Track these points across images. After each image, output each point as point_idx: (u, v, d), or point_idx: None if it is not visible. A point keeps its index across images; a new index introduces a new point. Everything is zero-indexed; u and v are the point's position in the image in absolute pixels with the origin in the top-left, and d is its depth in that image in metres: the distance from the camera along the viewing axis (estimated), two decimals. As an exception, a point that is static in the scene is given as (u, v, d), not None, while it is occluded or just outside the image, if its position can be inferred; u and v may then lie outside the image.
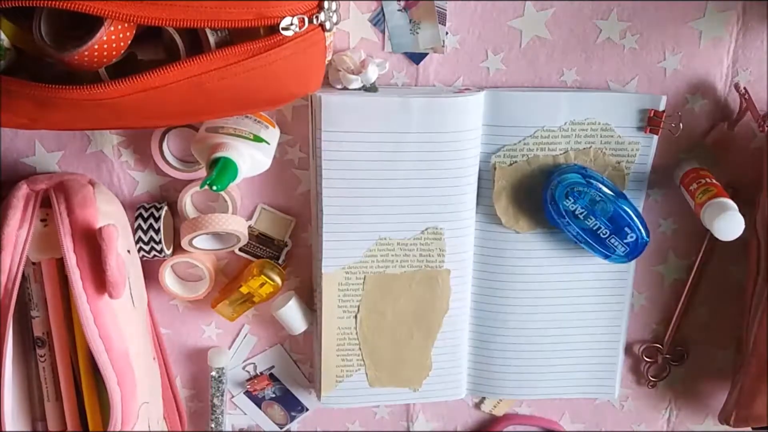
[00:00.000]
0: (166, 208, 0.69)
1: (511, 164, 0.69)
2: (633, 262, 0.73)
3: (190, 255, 0.70)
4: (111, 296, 0.61)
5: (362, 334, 0.73)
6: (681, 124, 0.68)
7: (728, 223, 0.64)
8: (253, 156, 0.62)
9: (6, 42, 0.56)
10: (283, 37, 0.53)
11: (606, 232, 0.69)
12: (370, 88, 0.66)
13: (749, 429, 0.77)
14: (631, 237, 0.69)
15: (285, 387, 0.80)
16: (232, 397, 0.80)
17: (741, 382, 0.74)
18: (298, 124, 0.68)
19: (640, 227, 0.69)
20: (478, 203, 0.71)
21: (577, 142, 0.68)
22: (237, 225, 0.68)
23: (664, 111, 0.67)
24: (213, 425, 0.79)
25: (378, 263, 0.71)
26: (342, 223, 0.69)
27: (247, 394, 0.80)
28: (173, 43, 0.56)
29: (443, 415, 0.82)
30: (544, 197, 0.69)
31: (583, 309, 0.75)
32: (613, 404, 0.82)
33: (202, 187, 0.58)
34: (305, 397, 0.80)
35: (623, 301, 0.75)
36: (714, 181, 0.67)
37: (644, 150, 0.69)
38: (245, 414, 0.81)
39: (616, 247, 0.69)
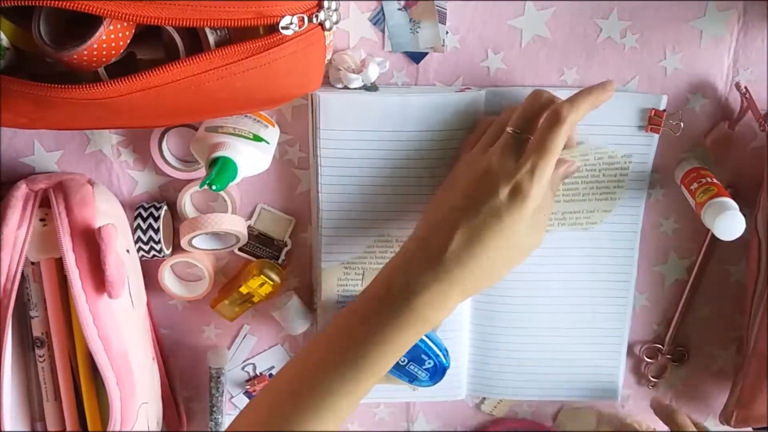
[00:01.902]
0: (165, 207, 0.69)
1: None
2: (635, 263, 0.73)
3: (190, 255, 0.70)
4: (110, 296, 0.61)
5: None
6: (682, 123, 0.68)
7: (729, 223, 0.64)
8: (252, 155, 0.62)
9: (5, 41, 0.55)
10: (283, 36, 0.53)
11: (405, 360, 0.71)
12: (371, 87, 0.66)
13: (750, 429, 0.77)
14: (429, 363, 0.71)
15: (285, 387, 0.80)
16: (232, 397, 0.80)
17: (742, 383, 0.74)
18: (297, 123, 0.68)
19: (438, 353, 0.71)
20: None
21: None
22: (236, 225, 0.68)
23: (664, 110, 0.67)
24: (212, 426, 0.78)
25: (377, 259, 0.71)
26: (341, 219, 0.69)
27: (247, 394, 0.80)
28: (172, 42, 0.56)
29: (443, 416, 0.82)
30: None
31: (584, 310, 0.75)
32: (614, 405, 0.82)
33: (201, 186, 0.58)
34: (305, 398, 0.80)
35: (626, 303, 0.75)
36: (715, 180, 0.67)
37: (645, 149, 0.69)
38: (245, 414, 0.81)
39: (417, 373, 0.72)
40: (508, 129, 0.61)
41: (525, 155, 0.59)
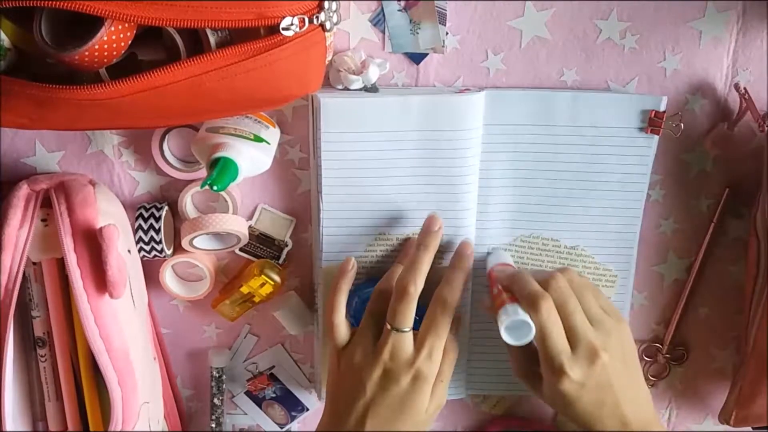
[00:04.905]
0: (166, 208, 0.69)
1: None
2: (633, 263, 0.73)
3: (191, 255, 0.70)
4: (111, 296, 0.61)
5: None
6: (682, 125, 0.68)
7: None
8: (253, 156, 0.62)
9: (6, 42, 0.56)
10: (284, 37, 0.53)
11: None
12: (371, 89, 0.66)
13: (749, 429, 0.77)
14: None
15: (285, 387, 0.80)
16: (233, 396, 0.80)
17: (741, 382, 0.74)
18: (298, 124, 0.68)
19: None
20: (478, 203, 0.71)
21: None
22: (237, 225, 0.68)
23: (665, 111, 0.67)
24: (213, 425, 0.79)
25: (378, 259, 0.71)
26: (342, 219, 0.69)
27: (248, 393, 0.80)
28: (173, 43, 0.56)
29: (443, 415, 0.82)
30: (347, 312, 0.70)
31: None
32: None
33: (202, 187, 0.58)
34: (306, 397, 0.80)
35: (623, 300, 0.75)
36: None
37: (645, 151, 0.69)
38: (246, 414, 0.81)
39: None
40: (388, 326, 0.64)
41: (418, 342, 0.63)
